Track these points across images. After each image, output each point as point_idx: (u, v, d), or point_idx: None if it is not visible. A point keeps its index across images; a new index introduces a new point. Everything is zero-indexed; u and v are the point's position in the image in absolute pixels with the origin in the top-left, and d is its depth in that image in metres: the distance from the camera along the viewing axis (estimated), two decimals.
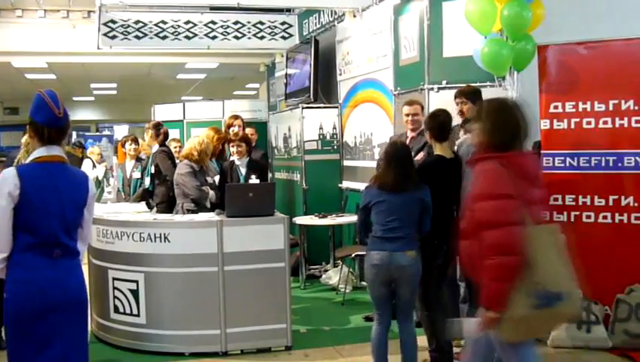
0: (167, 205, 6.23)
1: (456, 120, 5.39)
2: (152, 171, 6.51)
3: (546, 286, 2.77)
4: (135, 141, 7.73)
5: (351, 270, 7.05)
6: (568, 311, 2.92)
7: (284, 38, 9.55)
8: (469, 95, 5.01)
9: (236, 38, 9.29)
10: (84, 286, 3.01)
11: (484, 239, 2.82)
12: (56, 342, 2.83)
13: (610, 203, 5.03)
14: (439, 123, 4.42)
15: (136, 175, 7.35)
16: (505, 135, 2.95)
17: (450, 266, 4.61)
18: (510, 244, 2.77)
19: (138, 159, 7.61)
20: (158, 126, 6.79)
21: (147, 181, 6.68)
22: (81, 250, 3.00)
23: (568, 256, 2.91)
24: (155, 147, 6.64)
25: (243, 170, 6.26)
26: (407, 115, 5.38)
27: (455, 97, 5.10)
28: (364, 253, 6.63)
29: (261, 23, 9.39)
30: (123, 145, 7.92)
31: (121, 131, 23.75)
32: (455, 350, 4.79)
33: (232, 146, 6.32)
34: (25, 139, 4.84)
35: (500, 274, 2.78)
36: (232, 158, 6.40)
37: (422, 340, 4.36)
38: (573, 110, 5.15)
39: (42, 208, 2.80)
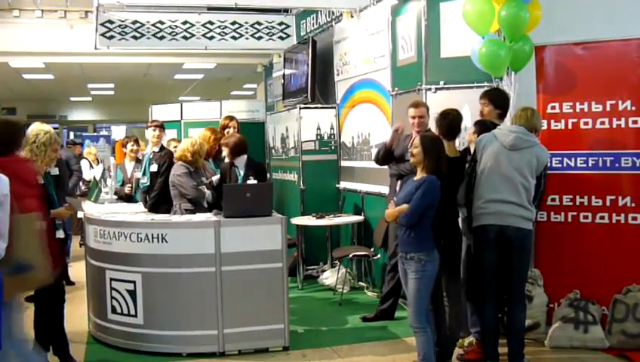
0: (160, 197, 6.21)
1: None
2: (155, 170, 6.45)
3: (19, 259, 3.53)
4: (137, 142, 7.71)
5: (348, 270, 7.06)
6: (36, 278, 3.69)
7: (281, 38, 9.54)
8: (493, 98, 4.87)
9: (234, 38, 9.28)
10: None
11: None
12: None
13: (608, 203, 5.05)
14: (449, 121, 4.59)
15: (138, 175, 7.30)
16: (3, 145, 3.69)
17: (455, 260, 4.65)
18: None
19: (137, 160, 7.59)
20: (163, 126, 6.82)
21: (145, 179, 6.61)
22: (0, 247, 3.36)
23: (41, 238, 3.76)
24: (157, 147, 6.61)
25: (241, 171, 6.24)
26: (414, 117, 5.29)
27: (480, 98, 4.93)
28: (361, 253, 6.63)
29: (258, 23, 9.38)
30: (124, 146, 7.88)
31: (118, 131, 23.71)
32: (459, 351, 4.80)
33: None
34: None
35: None
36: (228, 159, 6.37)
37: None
38: (571, 110, 5.17)
39: None
